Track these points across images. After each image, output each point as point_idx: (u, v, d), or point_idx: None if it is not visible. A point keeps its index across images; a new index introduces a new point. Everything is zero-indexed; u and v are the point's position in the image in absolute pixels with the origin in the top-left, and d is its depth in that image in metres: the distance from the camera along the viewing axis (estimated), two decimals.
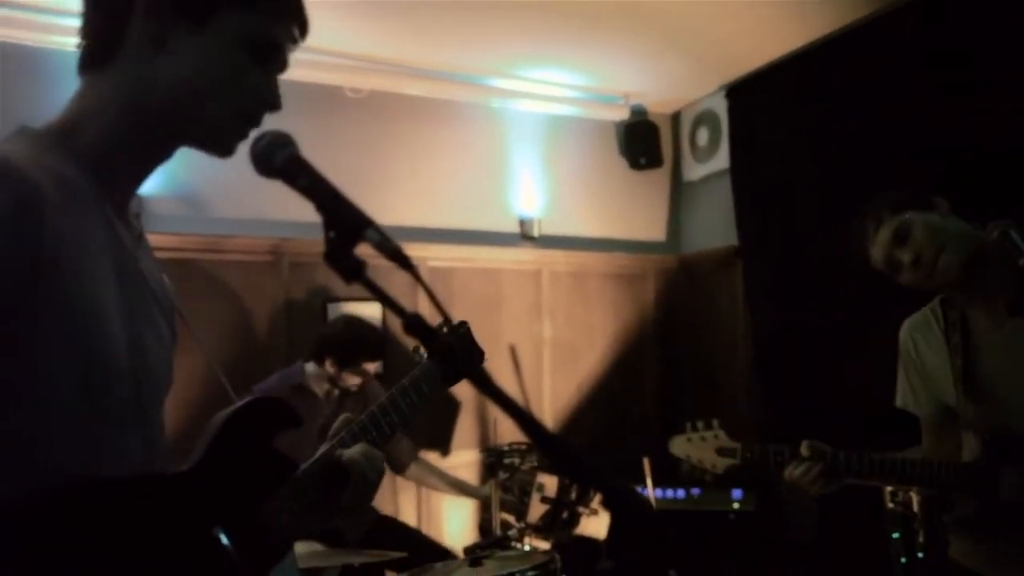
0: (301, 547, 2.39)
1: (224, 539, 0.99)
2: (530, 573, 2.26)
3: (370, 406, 3.62)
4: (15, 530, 0.86)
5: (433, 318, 1.01)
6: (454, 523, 4.27)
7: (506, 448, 3.00)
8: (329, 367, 3.25)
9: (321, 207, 0.96)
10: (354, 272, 0.93)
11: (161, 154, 1.11)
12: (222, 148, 1.11)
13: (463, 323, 1.72)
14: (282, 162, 0.99)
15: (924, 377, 2.07)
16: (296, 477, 1.19)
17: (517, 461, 2.91)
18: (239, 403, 1.14)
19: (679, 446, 2.24)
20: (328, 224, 0.95)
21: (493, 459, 2.97)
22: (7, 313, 0.89)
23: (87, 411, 0.96)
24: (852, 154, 3.79)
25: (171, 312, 1.18)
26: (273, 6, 1.10)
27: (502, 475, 2.88)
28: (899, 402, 2.17)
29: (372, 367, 3.26)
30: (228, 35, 1.06)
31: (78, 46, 1.08)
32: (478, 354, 1.71)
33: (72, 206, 0.96)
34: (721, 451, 2.18)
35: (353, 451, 1.27)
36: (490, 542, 2.78)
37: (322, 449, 1.28)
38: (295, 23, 1.12)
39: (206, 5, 1.05)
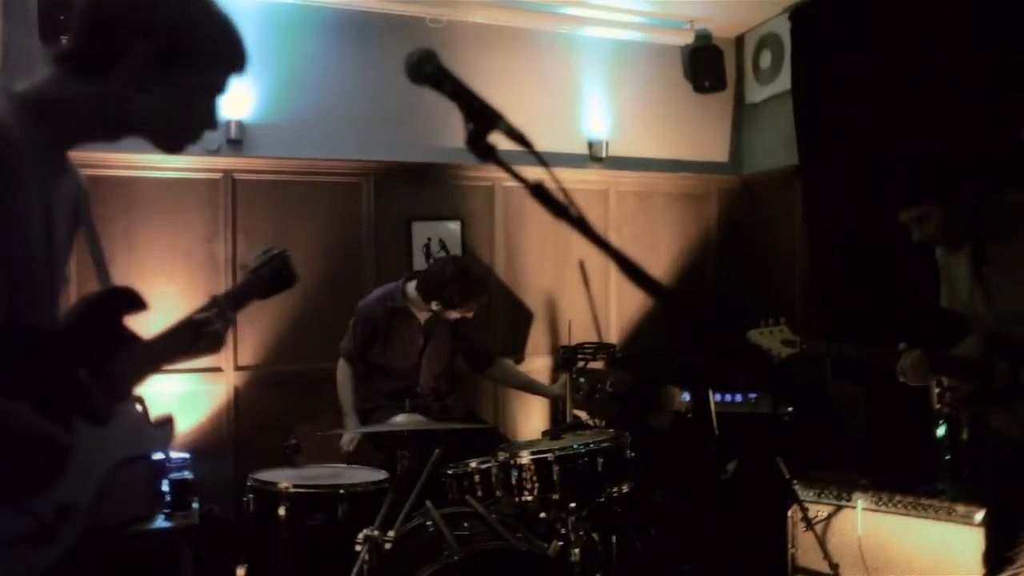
0: (404, 418, 2.76)
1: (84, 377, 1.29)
2: (605, 444, 2.56)
3: (459, 330, 3.89)
4: None
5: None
6: (527, 420, 4.65)
7: (578, 347, 3.28)
8: (435, 306, 3.41)
9: (462, 105, 1.26)
10: (488, 153, 1.25)
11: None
12: (169, 151, 1.38)
13: None
14: (431, 72, 1.28)
15: (952, 285, 2.52)
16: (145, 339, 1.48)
17: (591, 359, 3.20)
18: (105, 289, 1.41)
19: (754, 336, 2.84)
20: (467, 117, 1.25)
21: (568, 356, 3.26)
22: None
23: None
24: (912, 77, 3.91)
25: (72, 231, 1.41)
26: (235, 61, 1.37)
27: (575, 371, 3.18)
28: (944, 302, 2.61)
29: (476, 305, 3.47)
30: (199, 84, 1.34)
31: (61, 37, 1.35)
32: None
33: (29, 156, 1.23)
34: (785, 342, 2.76)
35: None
36: (566, 426, 3.11)
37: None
38: (245, 64, 1.39)
39: (193, 65, 1.31)
